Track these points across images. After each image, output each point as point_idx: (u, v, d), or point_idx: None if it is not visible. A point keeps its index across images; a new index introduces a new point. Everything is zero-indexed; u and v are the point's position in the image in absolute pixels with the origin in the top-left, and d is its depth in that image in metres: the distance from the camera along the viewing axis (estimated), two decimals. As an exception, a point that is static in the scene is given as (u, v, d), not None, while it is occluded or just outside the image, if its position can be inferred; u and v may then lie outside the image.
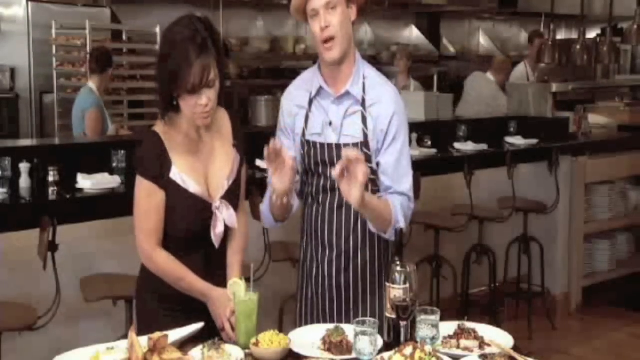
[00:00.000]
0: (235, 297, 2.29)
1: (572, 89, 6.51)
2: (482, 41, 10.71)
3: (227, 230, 2.44)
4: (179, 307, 2.37)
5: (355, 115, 2.60)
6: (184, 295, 2.38)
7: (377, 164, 2.61)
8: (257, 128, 5.71)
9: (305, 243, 2.78)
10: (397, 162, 2.60)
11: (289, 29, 8.54)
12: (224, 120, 2.47)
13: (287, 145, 2.62)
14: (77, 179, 3.67)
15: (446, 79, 8.98)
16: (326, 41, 2.51)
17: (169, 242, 2.36)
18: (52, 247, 3.10)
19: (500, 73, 7.23)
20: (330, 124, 2.61)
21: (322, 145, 2.61)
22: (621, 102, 7.72)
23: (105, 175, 3.78)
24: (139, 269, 2.49)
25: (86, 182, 3.64)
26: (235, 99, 7.41)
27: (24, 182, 3.63)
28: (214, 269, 2.43)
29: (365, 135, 2.59)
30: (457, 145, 5.38)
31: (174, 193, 2.32)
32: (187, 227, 2.36)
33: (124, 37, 6.70)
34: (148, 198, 2.32)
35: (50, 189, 3.59)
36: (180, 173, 2.33)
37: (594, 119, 6.63)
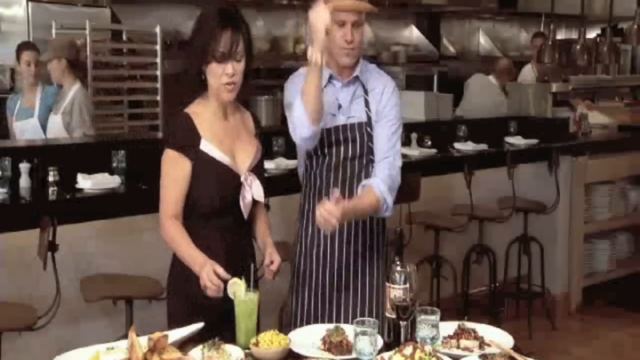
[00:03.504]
0: (235, 297, 2.29)
1: (572, 89, 6.51)
2: (482, 41, 10.71)
3: (253, 207, 2.56)
4: (206, 305, 2.38)
5: (360, 99, 2.95)
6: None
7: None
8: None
9: (304, 223, 2.99)
10: (389, 135, 2.92)
11: (289, 29, 8.55)
12: (248, 117, 2.62)
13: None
14: (77, 179, 3.67)
15: (446, 79, 8.98)
16: (348, 49, 2.85)
17: (199, 215, 2.44)
18: (52, 247, 3.10)
19: (503, 76, 7.19)
20: (340, 107, 2.92)
21: (328, 129, 2.88)
22: (621, 102, 7.72)
23: (105, 175, 3.78)
24: (169, 270, 2.55)
25: (86, 182, 3.64)
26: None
27: (24, 182, 3.63)
28: (240, 239, 2.55)
29: (369, 117, 2.93)
30: (457, 145, 5.38)
31: (204, 163, 2.42)
32: (218, 196, 2.44)
33: (124, 37, 6.69)
34: (172, 167, 2.41)
35: (50, 189, 3.59)
36: (210, 145, 2.43)
37: (594, 118, 6.63)
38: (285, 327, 2.86)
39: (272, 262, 2.53)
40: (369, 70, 3.00)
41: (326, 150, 2.93)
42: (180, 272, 2.46)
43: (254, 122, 2.64)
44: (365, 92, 2.95)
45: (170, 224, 2.41)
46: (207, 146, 2.42)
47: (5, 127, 5.60)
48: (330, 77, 2.93)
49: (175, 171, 2.41)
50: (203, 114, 2.46)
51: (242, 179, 2.48)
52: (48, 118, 5.11)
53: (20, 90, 5.49)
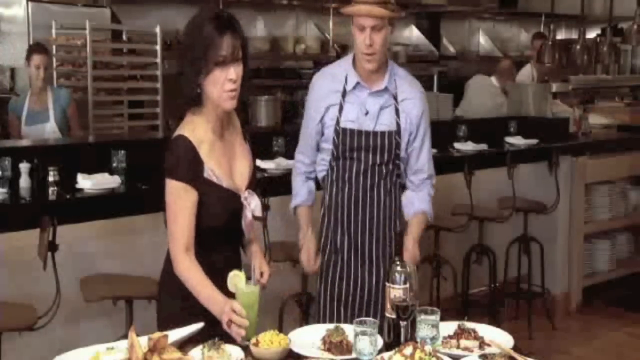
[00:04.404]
0: (236, 289, 2.28)
1: (572, 89, 6.51)
2: (482, 41, 10.70)
3: None
4: (201, 306, 2.36)
5: (390, 107, 3.00)
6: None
7: (407, 151, 3.06)
8: (257, 128, 5.71)
9: (332, 224, 3.07)
10: (427, 150, 3.14)
11: (289, 29, 8.54)
12: (236, 120, 2.55)
13: (313, 136, 3.06)
14: (77, 179, 3.67)
15: (446, 79, 8.97)
16: (367, 54, 2.89)
17: (204, 236, 2.38)
18: (52, 247, 3.11)
19: (505, 77, 7.19)
20: (367, 113, 2.97)
21: (359, 132, 2.96)
22: (621, 102, 7.72)
23: (105, 175, 3.77)
24: (161, 270, 2.51)
25: (86, 182, 3.64)
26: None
27: (24, 182, 3.63)
28: (238, 256, 2.53)
29: (398, 126, 3.00)
30: (457, 145, 5.38)
31: (210, 191, 2.37)
32: (223, 221, 2.41)
33: (124, 37, 6.68)
34: (180, 199, 2.34)
35: (50, 189, 3.59)
36: (212, 171, 2.38)
37: (594, 119, 6.63)
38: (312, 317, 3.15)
39: (262, 275, 2.51)
40: (399, 76, 3.03)
41: (355, 155, 2.99)
42: (173, 282, 2.42)
43: (240, 122, 2.56)
44: (396, 99, 3.00)
45: (187, 266, 2.34)
46: (209, 173, 2.37)
47: (5, 128, 5.60)
48: (357, 84, 2.97)
49: (183, 202, 2.34)
50: (202, 134, 2.37)
51: (242, 199, 2.44)
52: (64, 120, 5.12)
53: (22, 92, 5.48)
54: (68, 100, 5.22)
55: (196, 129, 2.37)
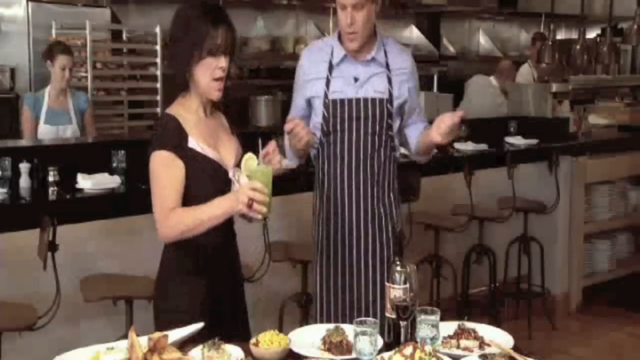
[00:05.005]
0: (250, 171, 2.29)
1: (572, 89, 6.51)
2: (482, 41, 10.71)
3: None
4: (201, 307, 2.37)
5: (381, 75, 2.95)
6: (204, 293, 2.40)
7: (401, 109, 3.01)
8: (257, 128, 5.72)
9: (325, 201, 3.00)
10: (421, 108, 3.19)
11: (289, 29, 8.54)
12: (222, 117, 2.57)
13: (300, 110, 3.01)
14: (77, 179, 3.67)
15: (446, 79, 8.97)
16: (349, 33, 2.85)
17: None
18: (52, 247, 3.10)
19: (504, 77, 7.20)
20: (356, 80, 2.92)
21: (349, 100, 2.91)
22: (621, 102, 7.71)
23: (105, 175, 3.78)
24: (158, 271, 2.50)
25: (86, 182, 3.65)
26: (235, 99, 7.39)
27: (24, 182, 3.63)
28: (228, 237, 2.50)
29: (390, 94, 2.94)
30: (457, 145, 5.38)
31: (195, 161, 2.37)
32: (211, 192, 2.37)
33: (124, 37, 6.69)
34: (167, 168, 2.35)
35: (50, 189, 3.59)
36: (197, 142, 2.39)
37: (594, 119, 6.63)
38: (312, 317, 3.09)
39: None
40: (389, 45, 3.00)
41: (346, 126, 2.92)
42: (171, 275, 2.43)
43: (228, 122, 2.58)
44: (388, 68, 2.95)
45: (174, 212, 2.32)
46: (194, 143, 2.38)
47: (8, 126, 5.61)
48: (345, 56, 2.94)
49: (171, 170, 2.35)
50: (186, 113, 2.42)
51: (230, 175, 2.44)
52: (82, 124, 5.12)
53: (22, 91, 5.45)
54: (86, 105, 5.22)
55: (181, 109, 2.42)
